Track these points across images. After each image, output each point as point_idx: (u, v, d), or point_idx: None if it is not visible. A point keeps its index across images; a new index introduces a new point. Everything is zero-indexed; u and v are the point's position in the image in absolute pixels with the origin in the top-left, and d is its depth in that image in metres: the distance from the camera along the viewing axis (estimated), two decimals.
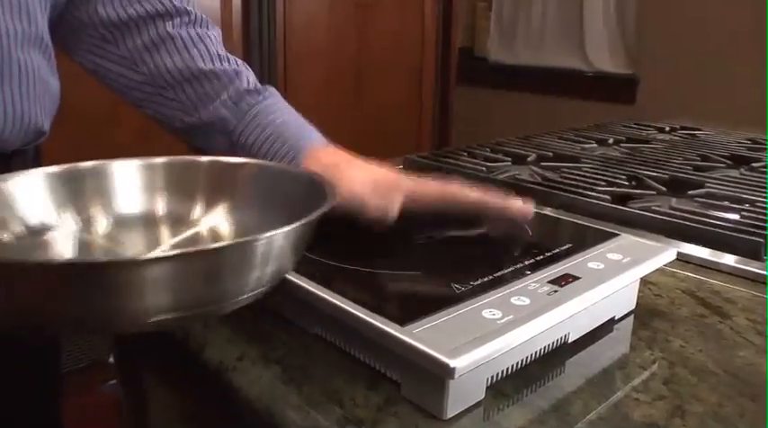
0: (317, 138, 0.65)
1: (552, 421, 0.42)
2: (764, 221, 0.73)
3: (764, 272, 0.65)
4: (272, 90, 0.69)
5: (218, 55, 0.68)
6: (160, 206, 0.52)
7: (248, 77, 0.68)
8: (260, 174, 0.53)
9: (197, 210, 0.52)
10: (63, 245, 0.48)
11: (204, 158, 0.54)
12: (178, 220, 0.52)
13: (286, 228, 0.37)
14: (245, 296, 0.39)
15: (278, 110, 0.66)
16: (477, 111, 3.07)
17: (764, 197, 0.83)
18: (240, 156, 0.59)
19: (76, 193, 0.50)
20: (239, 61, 0.70)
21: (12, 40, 0.60)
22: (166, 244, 0.50)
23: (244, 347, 0.51)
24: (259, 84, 0.68)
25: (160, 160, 0.54)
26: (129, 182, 0.52)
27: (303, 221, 0.39)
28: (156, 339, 0.59)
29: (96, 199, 0.51)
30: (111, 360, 0.90)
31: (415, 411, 0.42)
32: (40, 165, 0.54)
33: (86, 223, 0.50)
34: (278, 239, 0.37)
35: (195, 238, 0.50)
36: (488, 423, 0.41)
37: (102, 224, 0.50)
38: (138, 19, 0.68)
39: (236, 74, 0.67)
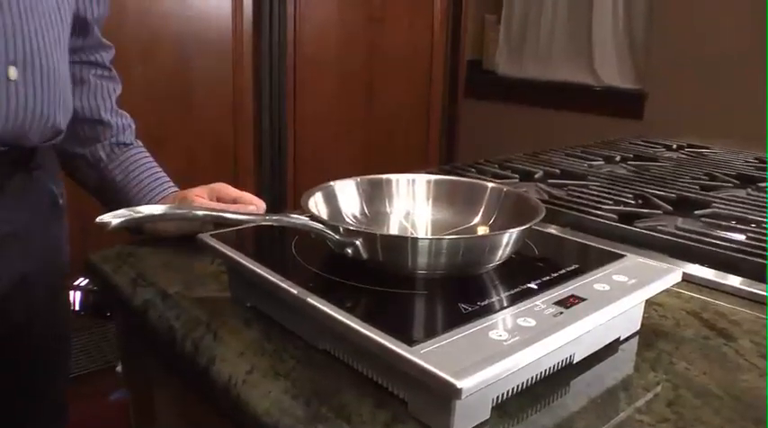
0: (166, 181, 0.88)
1: None
2: None
3: (766, 294, 0.65)
4: (140, 145, 0.90)
5: (117, 111, 0.91)
6: (430, 207, 0.68)
7: (130, 134, 0.90)
8: (492, 193, 0.66)
9: (454, 213, 0.67)
10: (385, 227, 0.65)
11: (463, 179, 0.70)
12: (440, 218, 0.67)
13: (519, 228, 0.53)
14: (491, 264, 0.55)
15: (140, 159, 0.87)
16: (485, 124, 3.07)
17: None
18: (107, 190, 0.86)
19: (373, 195, 0.67)
20: (129, 117, 0.92)
21: (51, 47, 0.72)
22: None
23: (254, 361, 0.52)
24: (134, 139, 0.90)
25: (434, 177, 0.69)
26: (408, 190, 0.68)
27: (528, 225, 0.54)
28: (167, 351, 0.60)
29: (387, 199, 0.67)
30: (119, 368, 0.92)
31: None
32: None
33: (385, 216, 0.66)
34: (515, 234, 0.53)
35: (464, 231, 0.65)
36: None
37: (395, 216, 0.67)
38: (80, 63, 0.88)
39: (123, 129, 0.89)
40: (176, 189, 0.87)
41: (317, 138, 2.10)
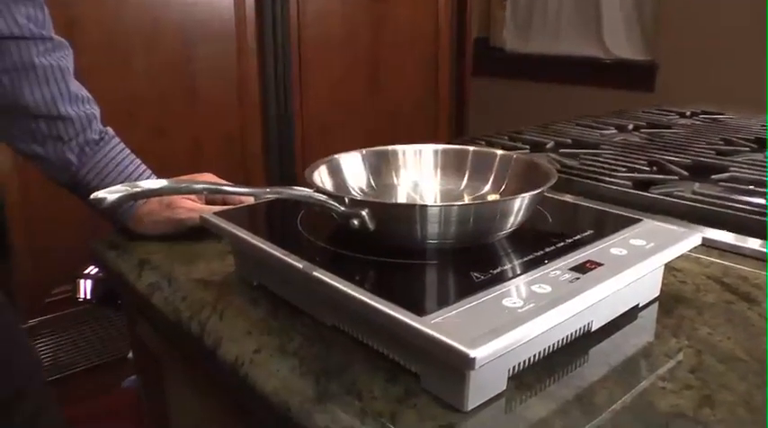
0: (147, 177, 0.76)
1: (576, 411, 0.41)
2: None
3: None
4: (110, 133, 0.76)
5: (77, 97, 0.74)
6: (438, 177, 0.66)
7: (96, 126, 0.75)
8: (502, 160, 0.64)
9: (464, 182, 0.65)
10: (393, 197, 0.64)
11: (471, 148, 0.67)
12: (450, 187, 0.65)
13: (531, 193, 0.51)
14: (504, 232, 0.53)
15: (116, 156, 0.74)
16: (494, 102, 3.04)
17: None
18: (82, 191, 0.72)
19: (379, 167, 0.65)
20: (91, 100, 0.76)
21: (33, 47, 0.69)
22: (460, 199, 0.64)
23: (261, 340, 0.50)
24: (103, 128, 0.75)
25: (441, 147, 0.67)
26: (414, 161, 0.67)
27: (540, 190, 0.52)
28: (174, 333, 0.58)
29: (394, 171, 0.66)
30: (130, 356, 0.91)
31: (435, 403, 0.41)
32: None
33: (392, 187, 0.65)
34: (527, 199, 0.51)
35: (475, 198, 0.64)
36: (510, 415, 0.40)
37: (402, 187, 0.65)
38: (13, 40, 0.70)
39: (88, 121, 0.74)
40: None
41: (324, 121, 2.08)
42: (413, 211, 0.49)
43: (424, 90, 2.33)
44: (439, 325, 0.38)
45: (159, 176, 0.73)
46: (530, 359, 0.43)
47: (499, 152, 0.63)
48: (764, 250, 0.65)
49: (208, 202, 0.74)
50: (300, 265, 0.47)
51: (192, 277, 0.62)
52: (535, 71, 2.97)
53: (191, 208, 0.71)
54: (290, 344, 0.49)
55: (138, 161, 0.75)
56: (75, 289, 1.10)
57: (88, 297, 1.13)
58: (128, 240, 0.73)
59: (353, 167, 0.61)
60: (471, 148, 0.64)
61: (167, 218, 0.71)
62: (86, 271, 1.14)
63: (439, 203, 0.60)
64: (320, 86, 2.05)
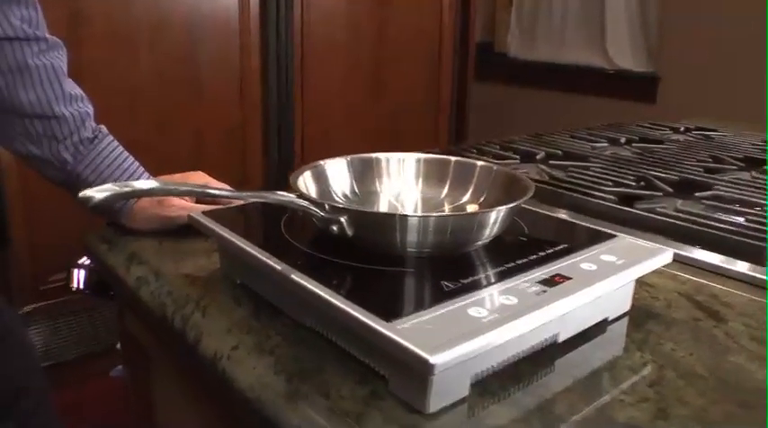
0: (141, 174, 0.78)
1: (535, 421, 0.42)
2: None
3: (765, 277, 0.64)
4: (104, 131, 0.78)
5: (70, 96, 0.76)
6: (420, 186, 0.68)
7: (90, 124, 0.77)
8: (482, 172, 0.66)
9: (444, 191, 0.67)
10: (375, 205, 0.65)
11: (452, 158, 0.68)
12: (431, 196, 0.68)
13: (507, 206, 0.53)
14: (480, 242, 0.55)
15: (110, 154, 0.76)
16: (497, 108, 3.05)
17: None
18: (78, 189, 0.70)
19: (364, 174, 0.67)
20: (85, 98, 0.78)
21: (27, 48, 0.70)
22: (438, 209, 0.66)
23: (240, 337, 0.52)
24: (96, 126, 0.77)
25: (424, 156, 0.69)
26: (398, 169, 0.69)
27: (516, 203, 0.54)
28: (159, 326, 0.60)
29: (377, 178, 0.68)
30: (119, 346, 0.92)
31: (400, 406, 0.43)
32: None
33: (375, 194, 0.66)
34: (503, 212, 0.53)
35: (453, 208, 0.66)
36: (471, 420, 0.42)
37: (384, 195, 0.67)
38: (7, 41, 0.72)
39: (82, 120, 0.75)
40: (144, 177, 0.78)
41: (325, 121, 2.10)
42: (389, 220, 0.51)
43: (425, 94, 2.35)
44: (404, 331, 0.39)
45: (160, 169, 0.76)
46: (494, 366, 0.45)
47: (479, 163, 0.65)
48: (738, 269, 0.66)
49: (199, 201, 0.76)
50: (279, 267, 0.49)
51: (179, 273, 0.64)
52: (538, 78, 2.98)
53: (181, 206, 0.73)
54: (268, 343, 0.51)
55: (132, 158, 0.77)
56: (69, 278, 1.12)
57: (81, 286, 1.15)
58: (119, 235, 0.75)
59: (338, 173, 0.63)
60: (453, 158, 0.66)
61: (158, 216, 0.73)
62: (80, 262, 1.16)
63: (415, 213, 0.62)
64: (322, 86, 2.07)
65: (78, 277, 1.14)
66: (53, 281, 1.67)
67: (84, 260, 1.14)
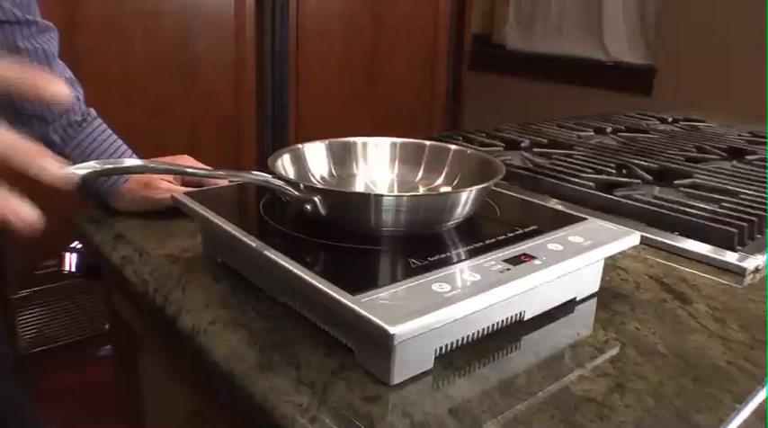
0: (128, 156, 0.79)
1: (496, 393, 0.44)
2: (741, 212, 0.74)
3: (735, 262, 0.66)
4: (93, 114, 0.79)
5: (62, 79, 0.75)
6: (396, 169, 0.70)
7: (80, 107, 0.78)
8: (455, 155, 0.68)
9: (419, 174, 0.69)
10: (351, 186, 0.66)
11: (427, 142, 0.70)
12: (406, 179, 0.69)
13: (478, 187, 0.55)
14: (451, 223, 0.56)
15: (98, 136, 0.78)
16: (494, 98, 3.06)
17: (748, 189, 0.84)
18: None
19: (342, 158, 0.68)
20: (75, 82, 0.80)
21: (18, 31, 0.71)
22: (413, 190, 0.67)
23: (217, 313, 0.54)
24: (85, 109, 0.78)
25: (399, 140, 0.71)
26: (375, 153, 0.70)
27: (487, 184, 0.56)
28: (143, 304, 0.62)
29: (355, 161, 0.69)
30: (107, 326, 0.94)
31: (366, 376, 0.44)
32: None
33: (352, 176, 0.68)
34: (474, 192, 0.55)
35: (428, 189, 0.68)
36: (434, 392, 0.44)
37: (361, 177, 0.68)
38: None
39: (71, 104, 0.76)
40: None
41: (319, 110, 2.11)
42: (360, 199, 0.53)
43: (420, 84, 2.36)
44: (367, 304, 0.41)
45: (155, 155, 0.77)
46: (458, 341, 0.47)
47: (453, 147, 0.66)
48: (708, 254, 0.68)
49: (185, 184, 0.77)
50: (254, 244, 0.51)
51: (163, 252, 0.66)
52: (535, 69, 2.99)
53: (167, 188, 0.74)
54: (243, 317, 0.53)
55: (120, 141, 0.78)
56: (61, 262, 1.14)
57: (73, 269, 1.17)
58: (107, 216, 0.77)
59: (316, 156, 0.65)
60: (428, 143, 0.67)
61: (144, 197, 0.74)
62: (72, 245, 1.18)
63: (388, 193, 0.63)
64: (317, 74, 2.08)
65: (70, 261, 1.15)
66: (46, 267, 1.68)
67: (76, 244, 1.16)
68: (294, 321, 0.51)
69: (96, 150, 0.76)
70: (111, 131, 0.78)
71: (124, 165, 0.50)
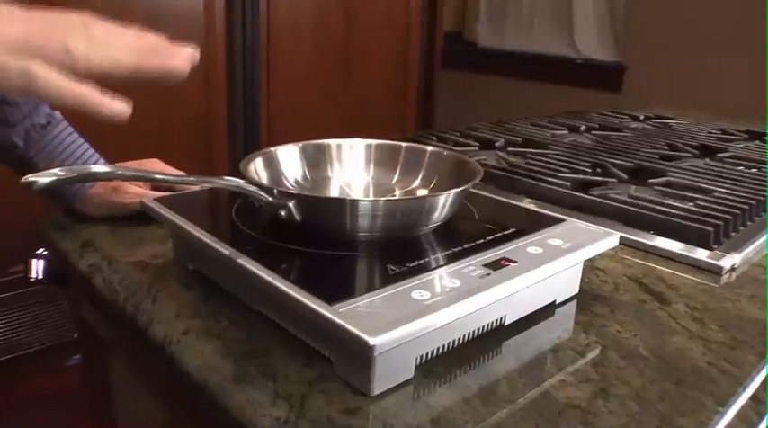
0: (95, 161, 0.76)
1: (477, 401, 0.43)
2: (715, 210, 0.74)
3: (711, 261, 0.66)
4: (58, 117, 0.76)
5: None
6: (372, 171, 0.68)
7: (44, 110, 0.75)
8: (432, 157, 0.67)
9: (395, 176, 0.68)
10: (326, 190, 0.65)
11: (403, 144, 0.69)
12: (382, 181, 0.68)
13: (455, 190, 0.54)
14: (429, 226, 0.55)
15: (63, 140, 0.75)
16: (466, 96, 3.07)
17: (722, 187, 0.84)
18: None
19: (316, 161, 0.67)
20: None
21: None
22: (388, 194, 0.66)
23: (190, 322, 0.52)
24: (50, 112, 0.75)
25: (374, 142, 0.69)
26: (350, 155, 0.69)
27: (464, 187, 0.55)
28: (112, 313, 0.60)
29: (329, 164, 0.68)
30: (76, 336, 0.92)
31: (345, 387, 0.43)
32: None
33: (327, 180, 0.67)
34: (451, 195, 0.54)
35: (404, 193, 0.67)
36: (415, 402, 0.43)
37: (336, 180, 0.67)
38: None
39: (35, 106, 0.74)
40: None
41: (292, 109, 2.09)
42: (335, 204, 0.51)
43: (393, 82, 2.34)
44: (345, 314, 0.40)
45: (123, 157, 0.74)
46: (439, 349, 0.46)
47: (429, 148, 0.65)
48: (684, 253, 0.68)
49: (154, 189, 0.75)
50: (227, 252, 0.49)
51: (132, 260, 0.64)
52: (507, 67, 3.00)
53: (136, 193, 0.72)
54: (217, 327, 0.51)
55: (86, 145, 0.76)
56: (27, 268, 1.11)
57: (40, 276, 1.14)
58: (75, 222, 0.74)
59: (290, 160, 0.63)
60: (404, 144, 0.66)
61: (112, 202, 0.72)
62: (39, 252, 1.14)
63: (362, 198, 0.62)
64: (289, 73, 2.05)
65: (37, 267, 1.12)
66: (12, 273, 1.64)
67: (43, 250, 1.13)
68: (270, 330, 0.50)
69: (61, 154, 0.74)
70: (77, 135, 0.76)
71: (90, 172, 0.48)
